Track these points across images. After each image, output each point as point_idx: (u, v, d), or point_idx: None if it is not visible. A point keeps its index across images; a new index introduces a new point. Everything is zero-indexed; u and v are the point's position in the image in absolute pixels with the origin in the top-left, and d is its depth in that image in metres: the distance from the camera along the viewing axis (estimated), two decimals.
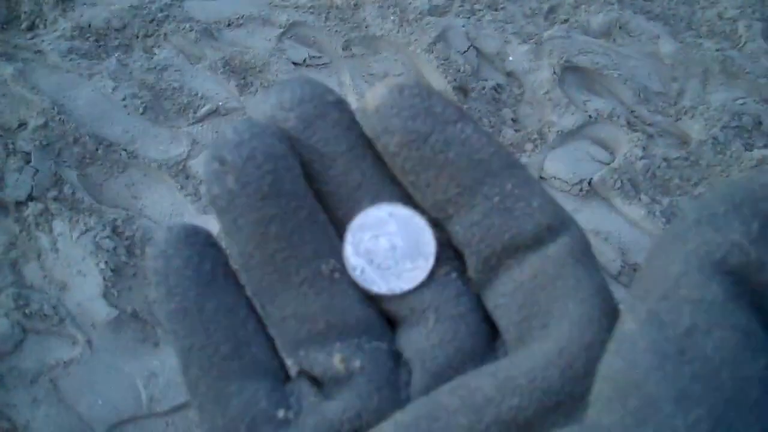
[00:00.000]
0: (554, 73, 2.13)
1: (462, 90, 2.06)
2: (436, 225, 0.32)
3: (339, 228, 0.32)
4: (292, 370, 0.33)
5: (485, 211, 0.30)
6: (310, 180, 0.31)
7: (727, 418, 0.22)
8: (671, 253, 0.25)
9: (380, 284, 0.32)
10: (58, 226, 1.63)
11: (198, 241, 0.31)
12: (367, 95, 0.30)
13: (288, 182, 0.30)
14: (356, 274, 0.32)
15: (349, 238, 0.32)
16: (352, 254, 0.32)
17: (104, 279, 1.56)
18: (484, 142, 0.30)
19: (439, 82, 2.06)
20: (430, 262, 0.32)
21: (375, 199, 0.32)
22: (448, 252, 0.32)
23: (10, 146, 1.71)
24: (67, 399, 1.44)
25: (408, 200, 0.32)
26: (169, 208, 1.75)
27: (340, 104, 0.31)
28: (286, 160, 0.30)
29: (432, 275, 0.32)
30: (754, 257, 0.24)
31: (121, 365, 1.49)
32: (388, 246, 0.32)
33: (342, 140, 0.31)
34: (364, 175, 0.31)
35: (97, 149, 1.78)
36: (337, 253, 0.32)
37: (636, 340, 0.24)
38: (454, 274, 0.32)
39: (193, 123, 1.90)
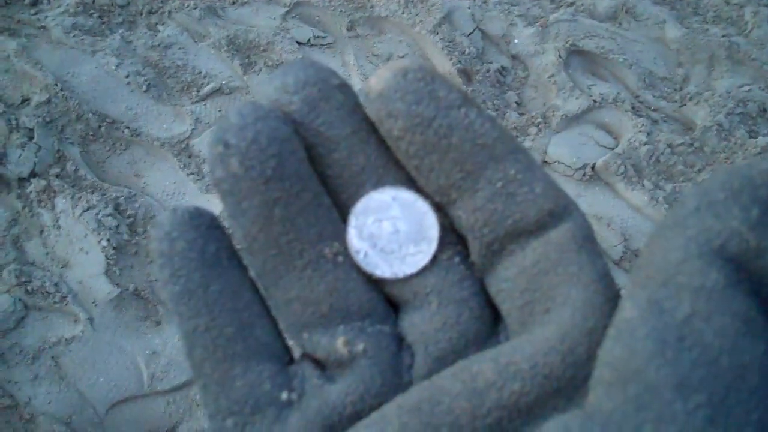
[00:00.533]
0: (559, 56, 2.13)
1: (466, 72, 2.06)
2: (440, 209, 0.32)
3: (342, 211, 0.32)
4: (296, 353, 0.33)
5: (488, 196, 0.30)
6: (314, 163, 0.31)
7: (726, 405, 0.22)
8: (671, 239, 0.25)
9: (383, 268, 0.32)
10: (61, 203, 1.63)
11: (202, 223, 0.31)
12: (370, 79, 0.30)
13: (292, 165, 0.30)
14: (359, 258, 0.32)
15: (353, 221, 0.32)
16: (355, 238, 0.32)
17: (106, 257, 1.57)
18: (487, 127, 0.30)
19: (443, 63, 2.06)
20: (434, 246, 0.32)
21: (378, 183, 0.32)
22: (452, 236, 0.32)
23: (14, 122, 1.71)
24: (69, 376, 1.44)
25: (412, 184, 0.32)
26: (171, 186, 1.75)
27: (344, 87, 0.31)
28: (290, 144, 0.30)
29: (435, 259, 0.32)
30: (754, 244, 0.24)
31: (122, 343, 1.49)
32: (391, 230, 0.32)
33: (346, 124, 0.31)
34: (367, 159, 0.31)
35: (100, 126, 1.78)
36: (341, 237, 0.32)
37: (636, 327, 0.24)
38: (457, 259, 0.32)
39: (196, 101, 1.90)
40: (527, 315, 0.30)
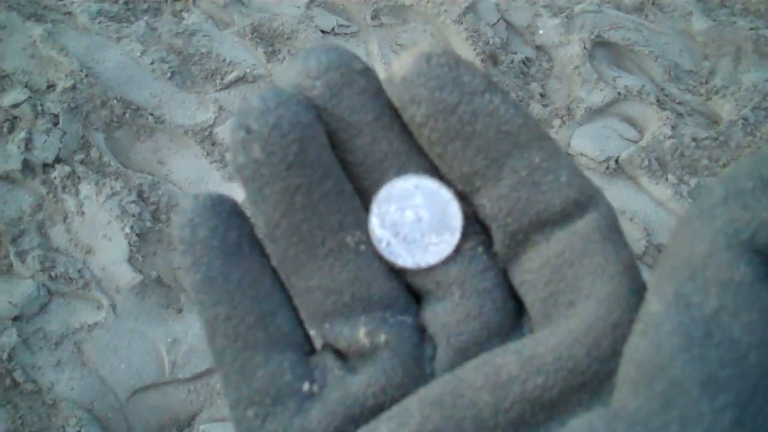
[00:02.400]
0: (584, 48, 2.11)
1: (492, 57, 2.05)
2: (463, 198, 0.31)
3: (365, 199, 0.32)
4: (317, 343, 0.33)
5: (512, 185, 0.29)
6: (336, 150, 0.31)
7: (754, 404, 0.21)
8: (698, 231, 0.24)
9: (406, 257, 0.31)
10: (85, 189, 1.64)
11: (224, 210, 0.31)
12: (394, 64, 0.30)
13: (314, 151, 0.29)
14: (382, 247, 0.31)
15: (375, 209, 0.31)
16: (377, 226, 0.31)
17: (129, 243, 1.57)
18: (512, 114, 0.29)
19: (467, 53, 2.05)
20: (456, 235, 0.31)
21: (401, 171, 0.31)
22: (475, 226, 0.32)
23: (39, 108, 1.72)
24: (91, 362, 1.45)
25: (435, 171, 0.31)
26: (194, 174, 1.76)
27: (367, 72, 0.31)
28: (312, 129, 0.29)
29: (458, 249, 0.31)
30: None
31: (144, 330, 1.50)
32: (414, 218, 0.31)
33: (368, 109, 0.30)
34: (390, 146, 0.31)
35: (124, 113, 1.79)
36: (363, 225, 0.31)
37: (661, 322, 0.23)
38: (480, 249, 0.32)
39: (220, 89, 1.90)
40: (551, 307, 0.29)
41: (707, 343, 0.22)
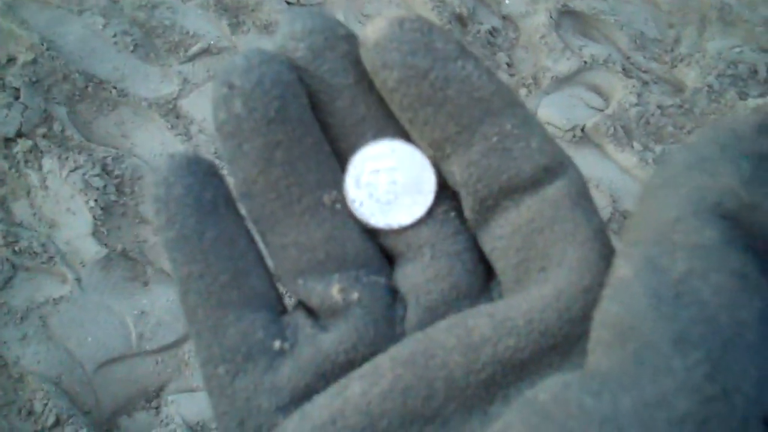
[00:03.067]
0: (551, 17, 2.11)
1: (461, 20, 2.04)
2: (433, 163, 0.32)
3: (342, 161, 0.32)
4: (290, 304, 0.33)
5: (483, 151, 0.30)
6: (316, 111, 0.31)
7: (725, 361, 0.22)
8: (664, 198, 0.25)
9: (378, 218, 0.32)
10: (48, 163, 1.62)
11: (200, 169, 0.31)
12: (366, 28, 0.30)
13: (294, 110, 0.30)
14: (356, 207, 0.32)
15: (351, 170, 0.32)
16: (352, 187, 0.32)
17: (94, 217, 1.56)
18: (484, 80, 0.29)
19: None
20: (429, 198, 0.32)
21: (378, 134, 0.32)
22: (448, 190, 0.32)
23: None
24: (57, 336, 1.44)
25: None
26: (158, 147, 1.74)
27: (350, 38, 0.31)
28: (293, 88, 0.30)
29: (430, 212, 0.32)
30: (747, 200, 0.24)
31: (110, 303, 1.49)
32: (388, 180, 0.32)
33: (349, 73, 0.31)
34: (369, 109, 0.31)
35: (86, 86, 1.77)
36: (339, 185, 0.32)
37: (632, 285, 0.24)
38: (452, 213, 0.32)
39: (184, 62, 1.88)
40: (522, 273, 0.30)
41: (678, 304, 0.22)
